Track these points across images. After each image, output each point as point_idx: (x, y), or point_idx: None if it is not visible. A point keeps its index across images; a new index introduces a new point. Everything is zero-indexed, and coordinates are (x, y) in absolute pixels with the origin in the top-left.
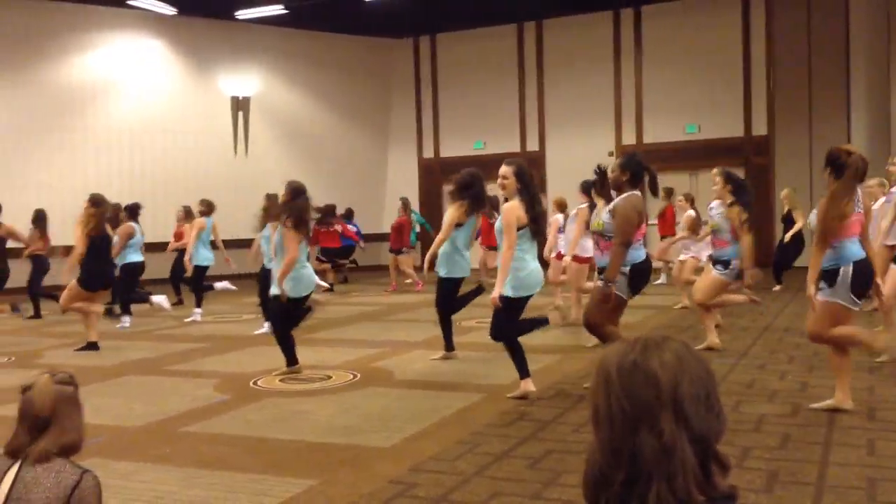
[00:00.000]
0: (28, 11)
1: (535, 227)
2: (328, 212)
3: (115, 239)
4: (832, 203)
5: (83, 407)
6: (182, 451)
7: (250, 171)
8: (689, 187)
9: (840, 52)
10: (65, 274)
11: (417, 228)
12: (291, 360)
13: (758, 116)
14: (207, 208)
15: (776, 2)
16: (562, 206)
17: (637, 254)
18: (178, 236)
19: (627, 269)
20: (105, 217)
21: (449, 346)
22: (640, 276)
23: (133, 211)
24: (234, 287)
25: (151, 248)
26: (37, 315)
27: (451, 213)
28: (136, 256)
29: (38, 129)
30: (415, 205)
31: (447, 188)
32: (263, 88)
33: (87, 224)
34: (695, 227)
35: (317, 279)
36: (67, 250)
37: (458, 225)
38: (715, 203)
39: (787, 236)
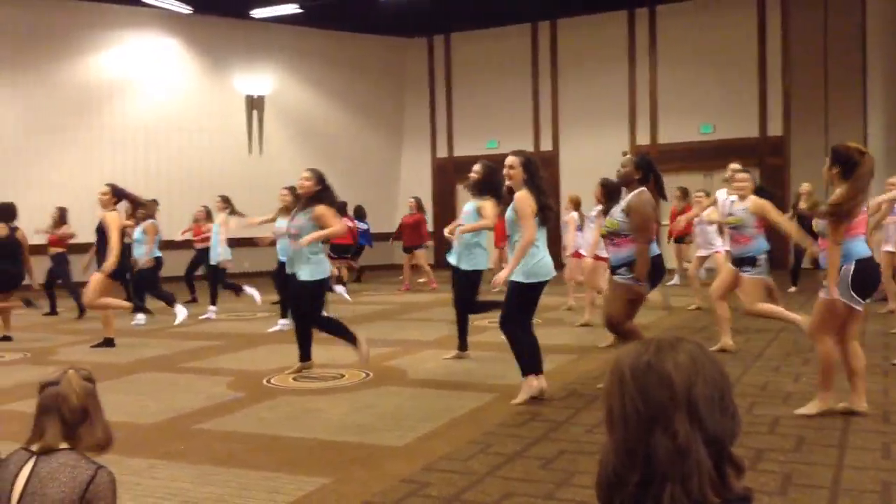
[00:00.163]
0: (44, 10)
1: (543, 215)
2: (339, 209)
3: (139, 233)
4: (849, 197)
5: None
6: (195, 449)
7: (265, 170)
8: (704, 188)
9: (856, 52)
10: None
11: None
12: (305, 355)
13: (773, 117)
14: (229, 204)
15: (792, 1)
16: (577, 204)
17: (651, 248)
18: (196, 236)
19: None
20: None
21: (463, 346)
22: (658, 270)
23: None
24: (259, 299)
25: (164, 245)
26: (53, 311)
27: (491, 207)
28: (157, 253)
29: (54, 128)
30: (427, 205)
31: (464, 184)
32: (278, 87)
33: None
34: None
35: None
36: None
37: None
38: (733, 199)
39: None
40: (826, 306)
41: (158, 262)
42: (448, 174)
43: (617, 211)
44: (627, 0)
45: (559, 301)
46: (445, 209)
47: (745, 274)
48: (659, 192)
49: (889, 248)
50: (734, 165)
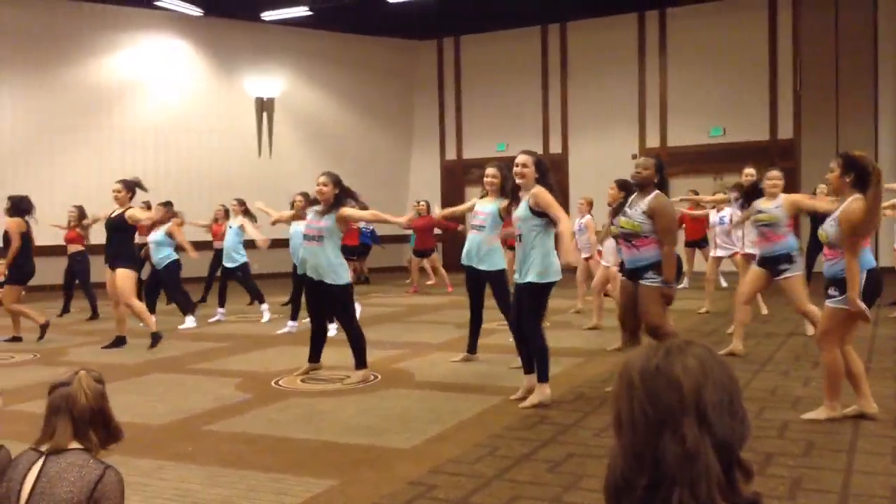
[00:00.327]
0: (55, 12)
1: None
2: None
3: (161, 235)
4: (872, 213)
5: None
6: (204, 450)
7: (274, 172)
8: (714, 191)
9: (867, 54)
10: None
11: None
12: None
13: (784, 119)
14: (245, 207)
15: (803, 3)
16: (591, 206)
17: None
18: (216, 234)
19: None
20: None
21: (472, 349)
22: (678, 270)
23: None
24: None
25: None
26: (66, 310)
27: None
28: (175, 255)
29: (66, 128)
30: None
31: (488, 187)
32: (288, 89)
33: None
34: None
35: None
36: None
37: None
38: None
39: None
40: (836, 315)
41: (178, 263)
42: (457, 176)
43: (637, 213)
44: (637, 2)
45: (568, 304)
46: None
47: (787, 273)
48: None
49: None
50: (749, 170)
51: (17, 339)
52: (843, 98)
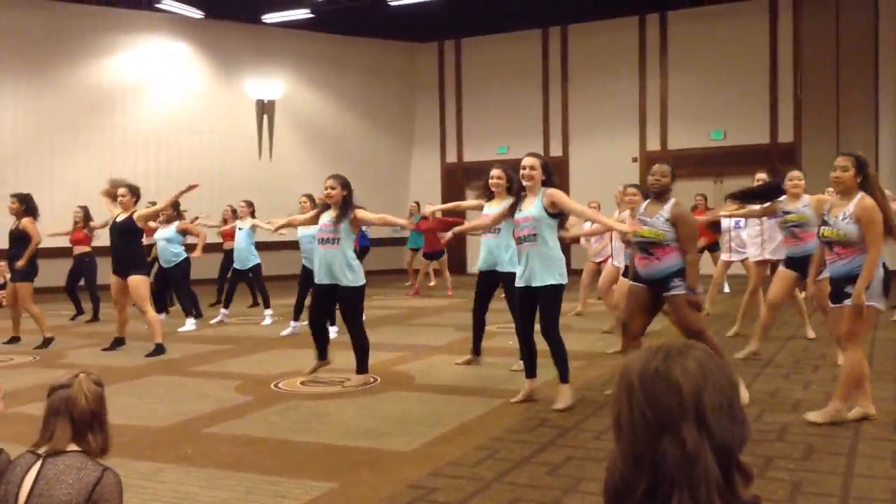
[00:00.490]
0: (56, 14)
1: (561, 219)
2: None
3: (172, 233)
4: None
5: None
6: (203, 452)
7: (275, 174)
8: (714, 194)
9: (868, 58)
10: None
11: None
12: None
13: (784, 123)
14: (252, 207)
15: (803, 7)
16: (599, 209)
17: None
18: (226, 235)
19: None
20: None
21: (477, 351)
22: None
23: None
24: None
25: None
26: (79, 312)
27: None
28: (184, 254)
29: (67, 130)
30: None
31: (495, 188)
32: (288, 92)
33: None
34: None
35: None
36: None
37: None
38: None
39: None
40: (859, 314)
41: (188, 262)
42: (457, 179)
43: (659, 221)
44: (638, 5)
45: (568, 306)
46: (453, 214)
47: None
48: None
49: None
50: (761, 175)
51: (15, 339)
52: (844, 101)
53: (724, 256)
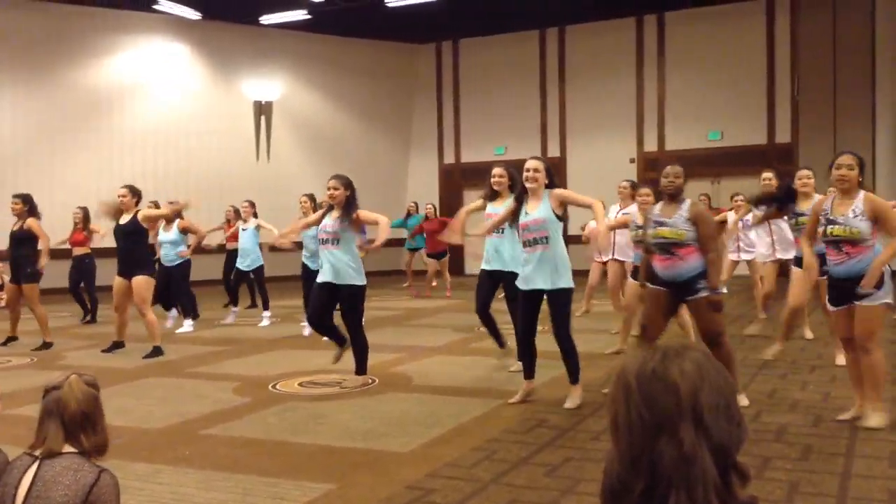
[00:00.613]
0: (54, 15)
1: (563, 219)
2: None
3: (176, 233)
4: None
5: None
6: (201, 454)
7: (272, 175)
8: (712, 195)
9: (865, 58)
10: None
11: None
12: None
13: (781, 124)
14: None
15: (801, 8)
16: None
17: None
18: (234, 236)
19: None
20: None
21: (502, 343)
22: None
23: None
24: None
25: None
26: (86, 312)
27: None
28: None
29: (66, 131)
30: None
31: (495, 187)
32: (286, 93)
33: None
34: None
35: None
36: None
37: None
38: (625, 211)
39: None
40: (878, 313)
41: (189, 263)
42: (455, 179)
43: (680, 221)
44: (636, 7)
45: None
46: (452, 215)
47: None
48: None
49: None
50: (767, 174)
51: (12, 339)
52: (841, 102)
53: (731, 256)
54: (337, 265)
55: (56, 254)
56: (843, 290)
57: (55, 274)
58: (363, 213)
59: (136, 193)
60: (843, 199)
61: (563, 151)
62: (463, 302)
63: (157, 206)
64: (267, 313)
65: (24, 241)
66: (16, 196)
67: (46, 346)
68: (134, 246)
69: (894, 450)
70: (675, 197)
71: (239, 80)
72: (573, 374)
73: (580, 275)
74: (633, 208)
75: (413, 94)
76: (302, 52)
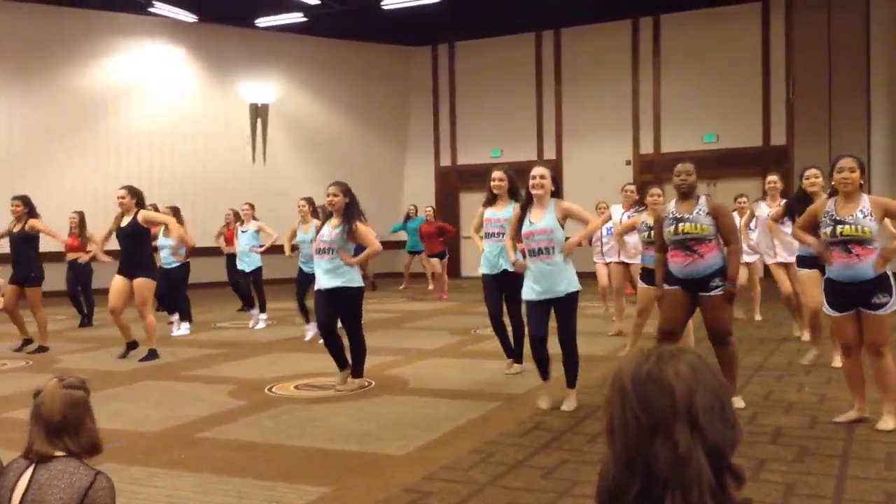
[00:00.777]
0: (49, 18)
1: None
2: None
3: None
4: None
5: (92, 411)
6: (197, 457)
7: (268, 178)
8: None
9: (860, 60)
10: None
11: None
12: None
13: (777, 125)
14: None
15: (796, 10)
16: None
17: None
18: (229, 239)
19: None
20: None
21: (511, 352)
22: None
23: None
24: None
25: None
26: (87, 317)
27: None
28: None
29: (61, 134)
30: (427, 213)
31: (498, 190)
32: (282, 95)
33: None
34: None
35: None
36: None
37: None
38: (629, 214)
39: None
40: (891, 319)
41: (187, 266)
42: (451, 182)
43: (701, 216)
44: (631, 9)
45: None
46: (448, 217)
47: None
48: None
49: None
50: (772, 177)
51: (28, 342)
52: (836, 104)
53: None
54: (332, 272)
55: (52, 257)
56: (849, 295)
57: (52, 277)
58: (362, 230)
59: (134, 194)
60: (846, 201)
61: (560, 154)
62: (459, 304)
63: (155, 209)
64: (263, 316)
65: (25, 243)
66: (15, 198)
67: (42, 349)
68: (135, 248)
69: (890, 451)
70: (689, 194)
71: (235, 82)
72: (571, 379)
73: (582, 276)
74: (627, 213)
75: (409, 96)
76: (298, 55)
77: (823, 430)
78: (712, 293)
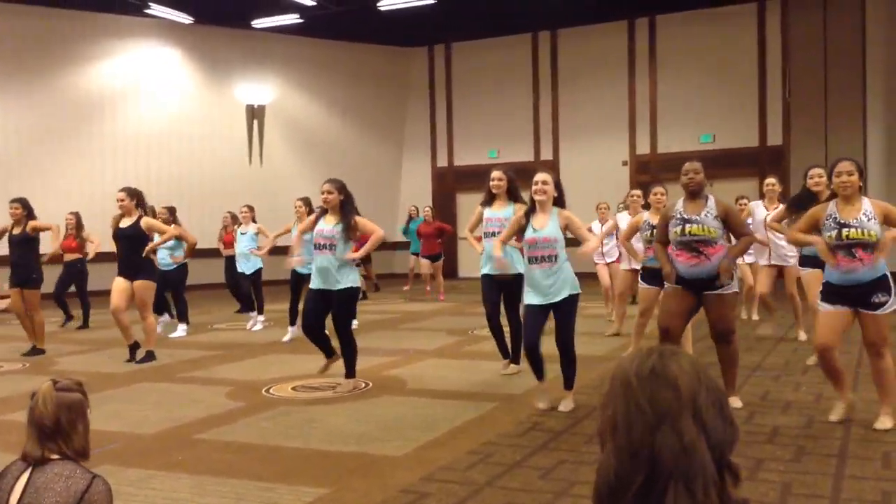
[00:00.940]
0: (48, 20)
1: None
2: None
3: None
4: None
5: (88, 414)
6: (194, 459)
7: (265, 179)
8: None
9: (856, 62)
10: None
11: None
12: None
13: (773, 126)
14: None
15: (792, 11)
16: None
17: None
18: (228, 242)
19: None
20: None
21: (507, 354)
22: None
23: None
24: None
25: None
26: (69, 318)
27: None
28: (185, 260)
29: (57, 136)
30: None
31: (498, 190)
32: (279, 97)
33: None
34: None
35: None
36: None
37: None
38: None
39: None
40: (889, 318)
41: (185, 268)
42: (448, 182)
43: (709, 218)
44: (627, 10)
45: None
46: (445, 218)
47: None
48: None
49: None
50: (770, 180)
51: (39, 351)
52: (832, 105)
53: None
54: (331, 269)
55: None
56: (848, 296)
57: (48, 279)
58: (361, 221)
59: (134, 195)
60: (847, 204)
61: (556, 154)
62: (457, 305)
63: (153, 213)
64: (261, 317)
65: (25, 245)
66: (13, 201)
67: (39, 352)
68: (136, 250)
69: (887, 451)
70: (697, 193)
71: (231, 83)
72: (569, 381)
73: (582, 277)
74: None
75: (406, 97)
76: (294, 56)
77: (820, 429)
78: (722, 291)
